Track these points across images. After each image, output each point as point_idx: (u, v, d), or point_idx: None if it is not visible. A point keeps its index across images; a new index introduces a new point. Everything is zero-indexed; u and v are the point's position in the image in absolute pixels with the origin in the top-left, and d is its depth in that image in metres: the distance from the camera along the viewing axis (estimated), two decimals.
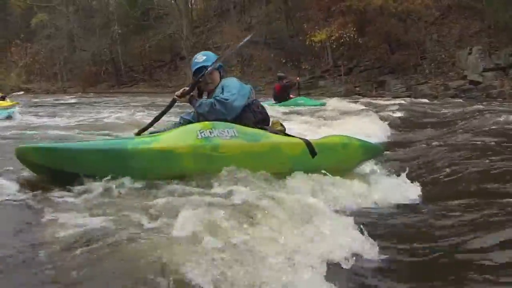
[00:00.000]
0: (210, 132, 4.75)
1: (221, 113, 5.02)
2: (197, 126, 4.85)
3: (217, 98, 5.06)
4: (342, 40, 36.06)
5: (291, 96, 19.58)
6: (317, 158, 5.39)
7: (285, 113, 15.42)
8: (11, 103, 18.39)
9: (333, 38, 36.42)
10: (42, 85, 57.49)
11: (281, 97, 19.02)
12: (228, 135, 4.84)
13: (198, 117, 5.31)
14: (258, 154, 5.00)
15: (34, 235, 3.14)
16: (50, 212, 3.49)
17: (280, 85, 19.38)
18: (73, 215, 3.45)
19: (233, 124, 4.98)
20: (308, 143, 5.40)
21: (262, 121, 5.46)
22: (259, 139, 5.08)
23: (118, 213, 3.51)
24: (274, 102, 19.05)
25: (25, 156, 4.15)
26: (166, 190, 4.16)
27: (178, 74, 52.66)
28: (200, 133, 4.72)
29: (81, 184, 4.08)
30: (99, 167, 4.19)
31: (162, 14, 57.89)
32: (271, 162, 5.06)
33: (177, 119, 5.79)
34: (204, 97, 5.59)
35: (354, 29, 35.37)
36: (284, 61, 43.60)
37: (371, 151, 6.29)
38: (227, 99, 5.04)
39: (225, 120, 5.02)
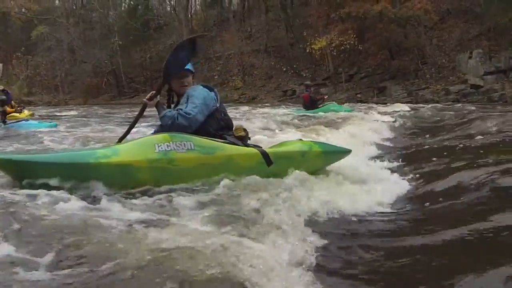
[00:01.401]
0: (167, 146, 4.90)
1: (183, 126, 5.14)
2: (154, 139, 4.99)
3: (180, 112, 5.16)
4: (343, 47, 36.27)
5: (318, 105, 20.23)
6: (273, 167, 5.54)
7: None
8: (29, 113, 20.04)
9: (333, 45, 36.72)
10: (44, 97, 57.56)
11: (310, 105, 19.83)
12: (184, 148, 4.98)
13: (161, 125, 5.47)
14: (212, 166, 5.13)
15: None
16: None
17: (308, 94, 20.31)
18: None
19: (191, 137, 5.11)
20: (263, 153, 5.52)
21: (225, 127, 5.59)
22: (214, 152, 5.20)
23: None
24: (304, 110, 19.98)
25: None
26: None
27: None
28: (158, 146, 4.87)
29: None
30: (62, 178, 4.40)
31: (162, 25, 58.36)
32: (226, 173, 5.16)
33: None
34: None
35: (354, 35, 35.73)
36: (284, 69, 43.97)
37: (334, 156, 6.49)
38: (189, 114, 5.15)
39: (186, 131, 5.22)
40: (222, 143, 5.33)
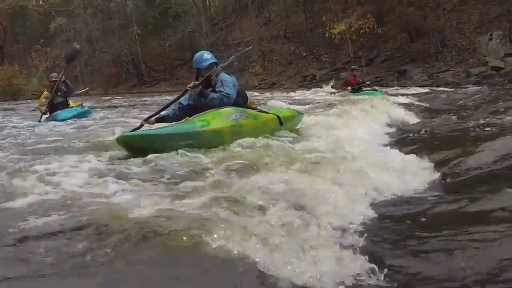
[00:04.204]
0: (235, 115, 6.91)
1: (226, 103, 7.13)
2: (226, 111, 6.93)
3: (223, 93, 7.15)
4: (362, 31, 36.40)
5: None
6: (283, 127, 7.92)
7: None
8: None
9: (352, 29, 36.85)
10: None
11: (355, 88, 20.41)
12: (244, 116, 7.09)
13: (200, 102, 7.30)
14: (258, 128, 7.24)
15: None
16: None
17: (353, 78, 20.83)
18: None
19: (244, 108, 7.39)
20: (278, 117, 7.88)
21: (245, 101, 7.87)
22: (258, 118, 7.50)
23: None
24: (349, 92, 20.60)
25: (126, 141, 5.87)
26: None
27: None
28: (230, 116, 6.82)
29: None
30: (177, 145, 5.82)
31: (181, 13, 58.50)
32: (263, 131, 7.16)
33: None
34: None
35: (373, 19, 35.79)
36: (304, 54, 44.21)
37: (302, 118, 9.35)
38: (229, 94, 7.18)
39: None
40: (258, 112, 7.79)
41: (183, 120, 6.83)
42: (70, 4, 65.11)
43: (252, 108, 7.75)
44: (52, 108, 14.43)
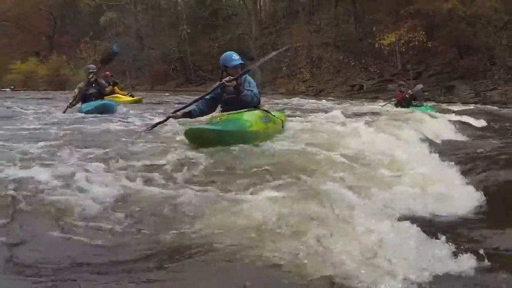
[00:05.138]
0: (265, 119, 7.81)
1: (254, 102, 8.15)
2: (259, 114, 7.86)
3: (255, 93, 8.12)
4: (411, 44, 36.73)
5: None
6: (283, 129, 8.70)
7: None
8: (138, 98, 22.05)
9: (402, 41, 37.27)
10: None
11: (404, 104, 20.41)
12: (268, 120, 7.93)
13: (229, 97, 8.08)
14: (276, 129, 8.17)
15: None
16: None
17: (401, 94, 20.85)
18: None
19: (266, 113, 8.19)
20: (282, 120, 8.84)
21: (259, 103, 8.56)
22: (275, 122, 8.31)
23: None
24: (396, 107, 20.61)
25: (195, 134, 6.67)
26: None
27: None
28: (261, 119, 7.69)
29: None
30: (232, 141, 6.57)
31: (231, 14, 59.51)
32: (277, 132, 8.12)
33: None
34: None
35: (423, 32, 36.06)
36: (353, 63, 44.38)
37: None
38: (257, 95, 8.21)
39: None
40: (273, 116, 8.45)
41: (217, 115, 7.83)
42: None
43: (265, 111, 8.42)
44: (85, 98, 14.39)
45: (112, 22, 66.10)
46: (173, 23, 62.24)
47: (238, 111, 7.63)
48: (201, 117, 8.39)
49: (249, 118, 7.35)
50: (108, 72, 22.26)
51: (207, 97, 8.22)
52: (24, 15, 71.78)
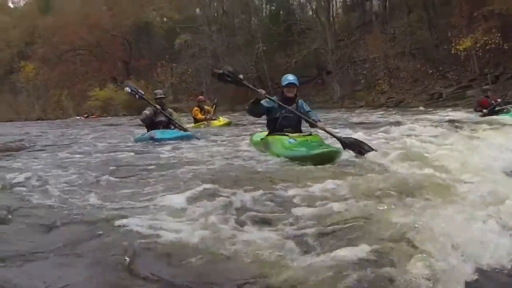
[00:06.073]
0: (288, 140, 8.51)
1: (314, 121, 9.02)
2: (286, 137, 8.63)
3: (318, 117, 9.16)
4: (488, 47, 36.49)
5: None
6: None
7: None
8: (226, 121, 22.12)
9: (478, 45, 37.22)
10: (190, 104, 60.84)
11: (488, 111, 19.54)
12: (292, 141, 8.49)
13: (289, 114, 9.20)
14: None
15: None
16: None
17: (486, 100, 20.17)
18: None
19: (293, 136, 8.72)
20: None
21: None
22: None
23: None
24: (481, 113, 19.91)
25: (327, 156, 7.69)
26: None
27: (326, 88, 55.74)
28: (286, 140, 8.53)
29: None
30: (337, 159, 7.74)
31: (305, 29, 60.12)
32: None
33: None
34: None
35: (499, 34, 36.12)
36: (430, 71, 44.85)
37: None
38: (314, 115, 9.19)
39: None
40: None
41: (285, 135, 8.74)
42: (194, 21, 69.08)
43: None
44: (152, 125, 14.12)
45: (187, 44, 67.99)
46: (248, 41, 63.80)
47: (308, 133, 9.03)
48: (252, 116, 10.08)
49: (315, 141, 8.51)
50: (201, 97, 23.79)
51: (265, 104, 9.21)
52: (98, 43, 76.08)
